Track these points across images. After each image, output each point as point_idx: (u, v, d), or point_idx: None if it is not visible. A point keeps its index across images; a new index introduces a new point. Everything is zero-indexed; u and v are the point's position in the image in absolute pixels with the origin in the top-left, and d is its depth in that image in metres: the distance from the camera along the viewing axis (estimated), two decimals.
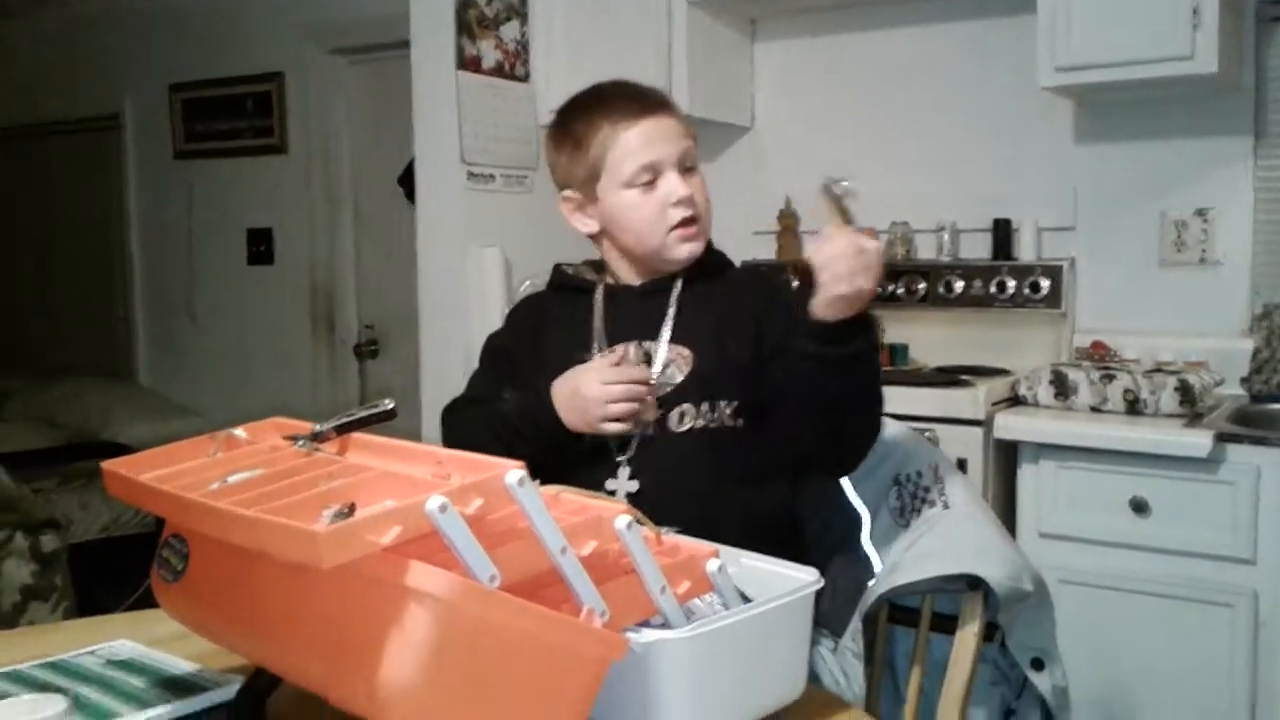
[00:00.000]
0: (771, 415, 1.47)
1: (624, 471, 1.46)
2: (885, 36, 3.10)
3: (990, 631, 1.44)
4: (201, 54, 4.55)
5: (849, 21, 3.13)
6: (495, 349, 1.66)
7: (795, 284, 1.49)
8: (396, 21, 3.06)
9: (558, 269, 1.67)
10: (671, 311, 1.53)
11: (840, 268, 1.26)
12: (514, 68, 3.06)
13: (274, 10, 4.32)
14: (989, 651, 1.49)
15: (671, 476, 1.45)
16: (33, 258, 5.44)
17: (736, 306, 1.54)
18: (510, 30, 3.04)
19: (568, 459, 1.46)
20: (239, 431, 1.08)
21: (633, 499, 1.43)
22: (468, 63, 2.93)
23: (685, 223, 1.50)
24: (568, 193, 1.58)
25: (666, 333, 1.52)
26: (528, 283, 3.01)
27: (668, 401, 1.48)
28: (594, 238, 1.60)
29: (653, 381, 1.46)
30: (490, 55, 2.99)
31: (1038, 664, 1.46)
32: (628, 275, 1.58)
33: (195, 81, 4.61)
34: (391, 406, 1.05)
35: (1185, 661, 2.21)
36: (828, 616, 1.47)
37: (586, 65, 2.91)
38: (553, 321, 1.61)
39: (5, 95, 5.27)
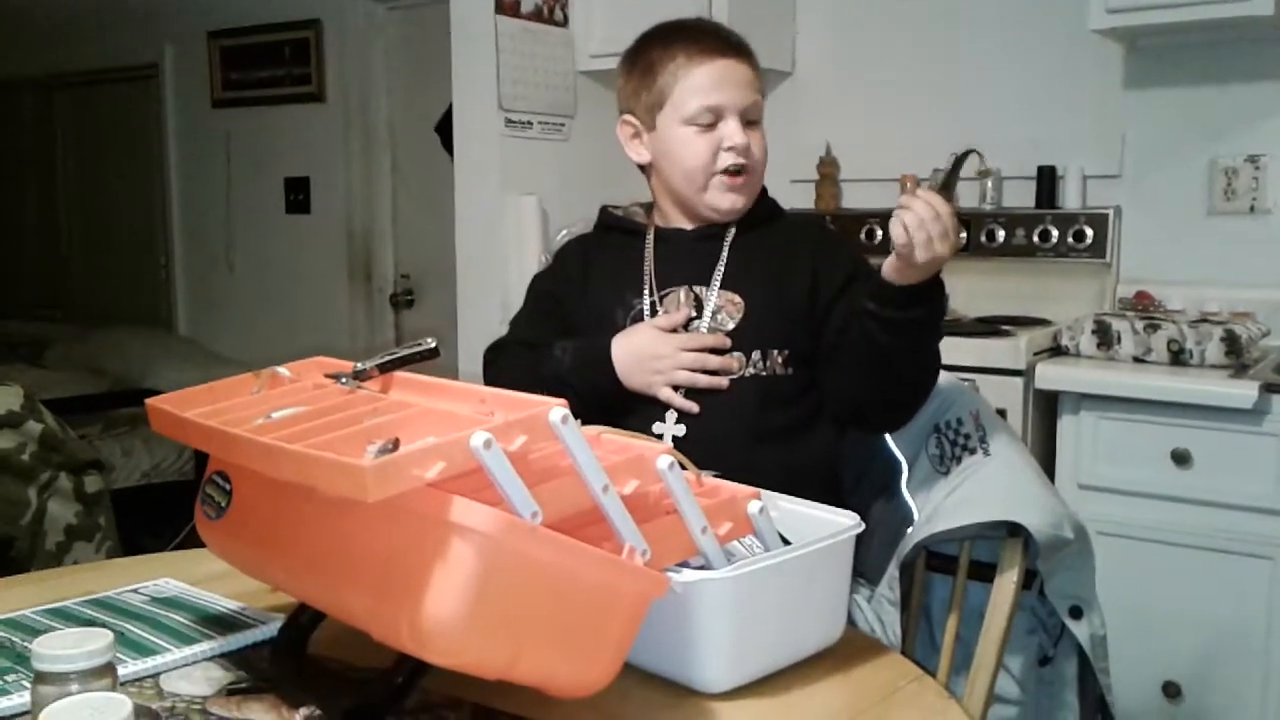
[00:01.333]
0: (824, 367, 1.47)
1: (671, 415, 1.46)
2: None
3: (1028, 579, 1.43)
4: (239, 1, 4.54)
5: None
6: (542, 292, 1.65)
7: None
8: None
9: (605, 210, 1.64)
10: (725, 256, 1.52)
11: (922, 235, 1.24)
12: (553, 12, 3.03)
13: None
14: (1026, 599, 1.47)
15: (719, 422, 1.44)
16: (73, 207, 5.49)
17: (795, 253, 1.52)
18: None
19: (615, 401, 1.46)
20: (282, 369, 1.08)
21: (678, 443, 1.44)
22: (506, 7, 2.90)
23: (734, 172, 1.48)
24: (628, 117, 1.56)
25: (718, 279, 1.51)
26: (564, 231, 3.00)
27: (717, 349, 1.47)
28: (644, 170, 1.59)
29: (727, 346, 1.45)
30: None
31: (1076, 612, 1.45)
32: (678, 218, 1.56)
33: (233, 29, 4.60)
34: (434, 345, 1.04)
35: (1224, 614, 2.20)
36: (864, 564, 1.46)
37: (625, 9, 2.88)
38: (601, 264, 1.59)
39: (46, 45, 5.29)
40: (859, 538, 1.11)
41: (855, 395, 1.44)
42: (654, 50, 1.51)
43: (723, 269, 1.51)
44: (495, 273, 3.01)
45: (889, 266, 1.31)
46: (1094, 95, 2.83)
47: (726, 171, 1.48)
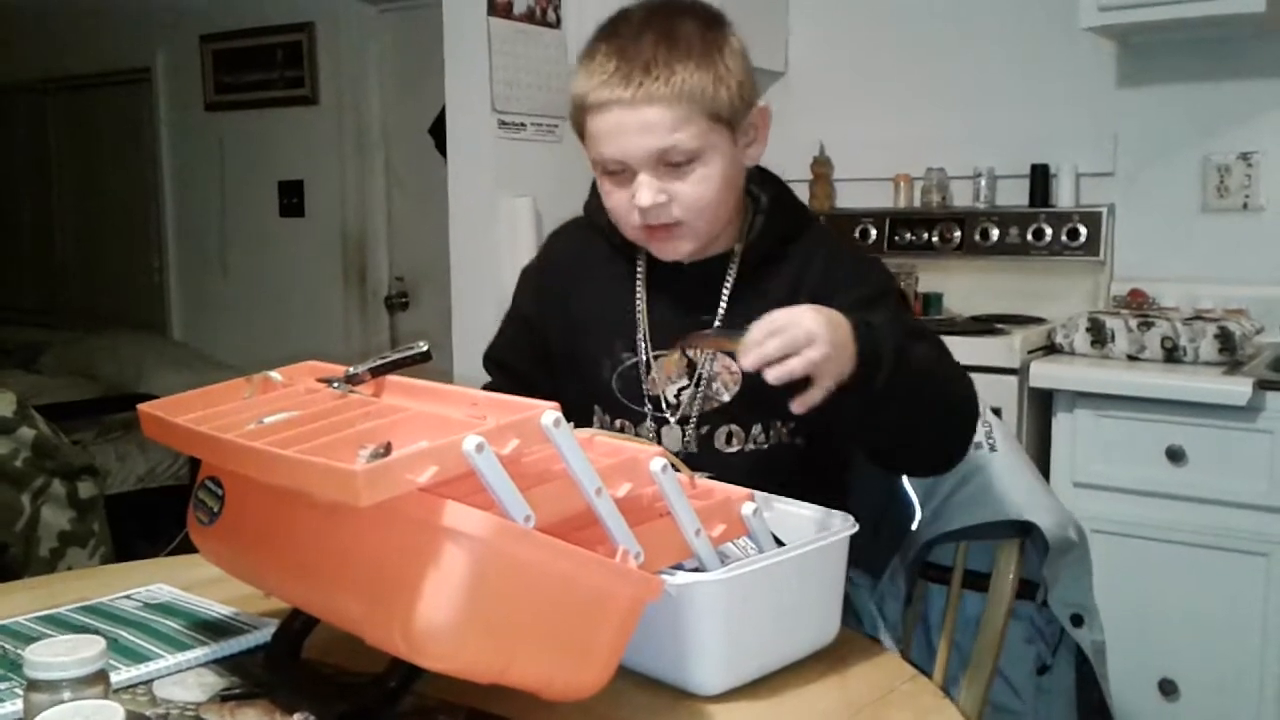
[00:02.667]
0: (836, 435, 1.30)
1: None
2: None
3: (1025, 589, 1.43)
4: (232, 4, 4.54)
5: None
6: (521, 313, 1.50)
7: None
8: None
9: (596, 210, 1.40)
10: (723, 306, 1.33)
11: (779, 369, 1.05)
12: (545, 13, 3.03)
13: None
14: (1024, 609, 1.47)
15: None
16: (67, 211, 5.48)
17: (798, 295, 1.27)
18: None
19: None
20: (274, 374, 1.08)
21: None
22: (499, 8, 2.90)
23: (654, 227, 1.28)
24: None
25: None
26: None
27: (712, 419, 1.33)
28: None
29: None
30: (521, 1, 2.95)
31: (1077, 620, 1.44)
32: None
33: (225, 32, 4.59)
34: (425, 349, 1.04)
35: (1219, 611, 2.20)
36: (867, 558, 1.44)
37: (619, 9, 2.87)
38: (590, 286, 1.41)
39: (39, 50, 5.28)
40: (859, 530, 1.10)
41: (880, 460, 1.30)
42: (579, 78, 1.30)
43: (721, 317, 1.33)
44: (489, 275, 3.00)
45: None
46: (1087, 93, 2.83)
47: (646, 228, 1.28)
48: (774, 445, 1.33)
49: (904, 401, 1.15)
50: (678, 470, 0.97)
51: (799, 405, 1.08)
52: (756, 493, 1.07)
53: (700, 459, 1.32)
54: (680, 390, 1.34)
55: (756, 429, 1.33)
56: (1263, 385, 2.12)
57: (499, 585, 0.81)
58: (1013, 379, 2.36)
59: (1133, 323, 2.36)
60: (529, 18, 2.98)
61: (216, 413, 1.00)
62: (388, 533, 0.83)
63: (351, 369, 1.04)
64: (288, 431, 0.90)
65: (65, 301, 5.49)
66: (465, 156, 3.01)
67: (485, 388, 1.48)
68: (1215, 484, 2.18)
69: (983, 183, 2.94)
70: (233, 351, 4.67)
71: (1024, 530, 1.38)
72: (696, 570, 0.98)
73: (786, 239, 1.36)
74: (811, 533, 1.09)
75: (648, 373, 1.36)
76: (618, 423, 1.38)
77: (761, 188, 1.38)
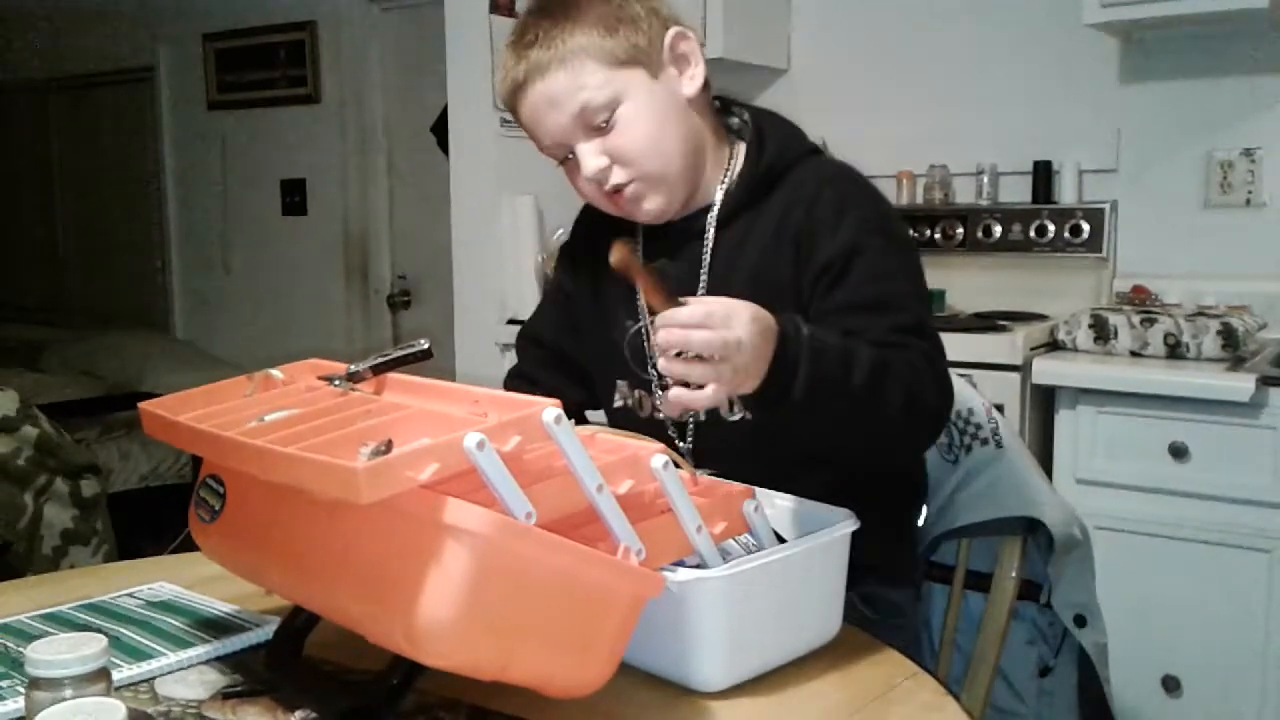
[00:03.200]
0: None
1: (690, 463, 1.24)
2: None
3: (1026, 590, 1.42)
4: (234, 3, 4.54)
5: None
6: (556, 281, 1.48)
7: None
8: None
9: None
10: (706, 261, 1.28)
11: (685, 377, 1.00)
12: None
13: None
14: (1026, 610, 1.47)
15: (738, 466, 1.20)
16: (70, 210, 5.48)
17: (782, 237, 1.23)
18: None
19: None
20: (275, 372, 1.08)
21: None
22: (500, 6, 2.90)
23: (613, 194, 1.24)
24: None
25: (702, 288, 1.28)
26: (561, 230, 3.00)
27: None
28: None
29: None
30: None
31: (1080, 621, 1.43)
32: None
33: (228, 31, 4.60)
34: (426, 346, 1.04)
35: (1222, 607, 2.19)
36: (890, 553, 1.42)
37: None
38: (603, 252, 1.32)
39: (42, 48, 5.29)
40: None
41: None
42: (496, 83, 1.33)
43: (705, 278, 1.28)
44: (492, 273, 3.01)
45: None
46: (1089, 89, 2.83)
47: (610, 195, 1.25)
48: None
49: (821, 417, 1.08)
50: (679, 467, 0.96)
51: (671, 407, 1.04)
52: (758, 489, 1.06)
53: (705, 429, 1.29)
54: (678, 354, 1.30)
55: None
56: (1266, 381, 2.12)
57: (500, 582, 0.81)
58: (1015, 376, 2.36)
59: (1135, 319, 2.36)
60: None
61: (218, 410, 1.00)
62: (389, 530, 0.83)
63: (353, 366, 1.04)
64: (289, 429, 0.90)
65: (67, 300, 5.50)
66: (467, 154, 3.01)
67: (518, 364, 1.50)
68: (1218, 480, 2.18)
69: (985, 179, 2.94)
70: (235, 349, 4.68)
71: (1030, 527, 1.37)
72: (698, 567, 0.97)
73: (771, 180, 1.27)
74: (812, 529, 1.09)
75: (648, 338, 1.31)
76: (636, 393, 1.34)
77: (754, 135, 1.31)
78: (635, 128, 1.21)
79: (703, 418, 1.29)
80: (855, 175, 1.30)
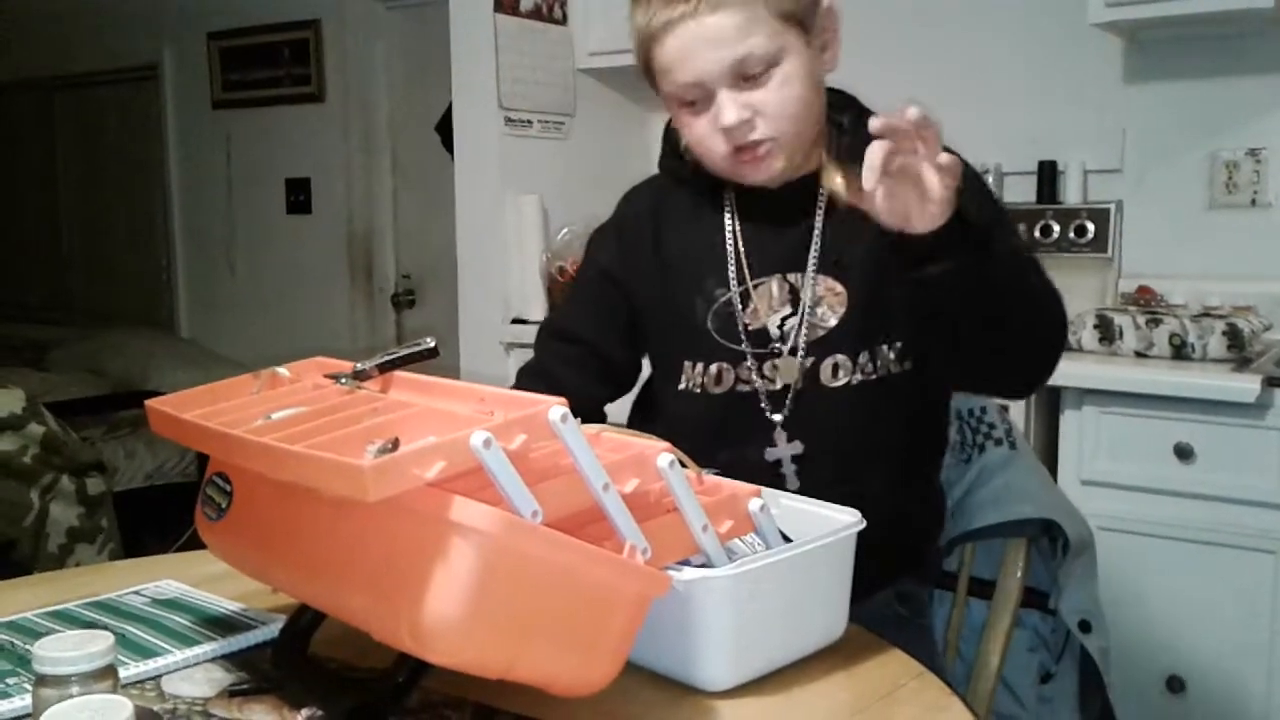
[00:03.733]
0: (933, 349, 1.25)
1: (781, 435, 1.29)
2: None
3: (1028, 598, 1.42)
4: (239, 2, 4.54)
5: None
6: (600, 270, 1.41)
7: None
8: None
9: (669, 159, 1.36)
10: (818, 229, 1.27)
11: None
12: (551, 10, 3.03)
13: None
14: (1029, 617, 1.47)
15: (833, 438, 1.27)
16: (75, 209, 5.49)
17: None
18: None
19: (713, 419, 1.30)
20: (282, 370, 1.08)
21: (799, 462, 1.28)
22: (505, 5, 2.90)
23: (742, 149, 1.23)
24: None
25: (813, 260, 1.27)
26: (565, 230, 3.00)
27: (817, 350, 1.27)
28: None
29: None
30: None
31: (1085, 626, 1.43)
32: None
33: (232, 30, 4.60)
34: (433, 344, 1.04)
35: (1226, 608, 2.19)
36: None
37: (624, 6, 2.87)
38: (675, 229, 1.35)
39: (47, 47, 5.30)
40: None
41: (964, 369, 1.23)
42: (636, 14, 1.25)
43: (817, 248, 1.27)
44: (496, 272, 3.01)
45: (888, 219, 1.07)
46: (1094, 90, 2.82)
47: (735, 150, 1.23)
48: (881, 377, 1.27)
49: (1003, 274, 1.12)
50: (685, 465, 0.97)
51: (924, 220, 1.05)
52: (764, 489, 1.06)
53: (806, 398, 1.28)
54: (784, 320, 1.28)
55: (864, 357, 1.26)
56: (1271, 382, 2.11)
57: (506, 580, 0.81)
58: None
59: (1141, 320, 2.36)
60: (535, 14, 2.98)
61: (224, 408, 1.00)
62: (395, 528, 0.83)
63: (359, 365, 1.04)
64: (295, 427, 0.90)
65: (72, 298, 5.51)
66: (472, 154, 3.02)
67: (534, 360, 1.44)
68: (1224, 481, 2.17)
69: (990, 179, 2.93)
70: (240, 348, 4.69)
71: (1041, 531, 1.37)
72: (704, 566, 0.98)
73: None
74: (818, 529, 1.09)
75: (744, 307, 1.29)
76: (713, 368, 1.31)
77: (842, 112, 1.33)
78: (789, 88, 1.21)
79: (800, 386, 1.28)
80: None
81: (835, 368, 1.27)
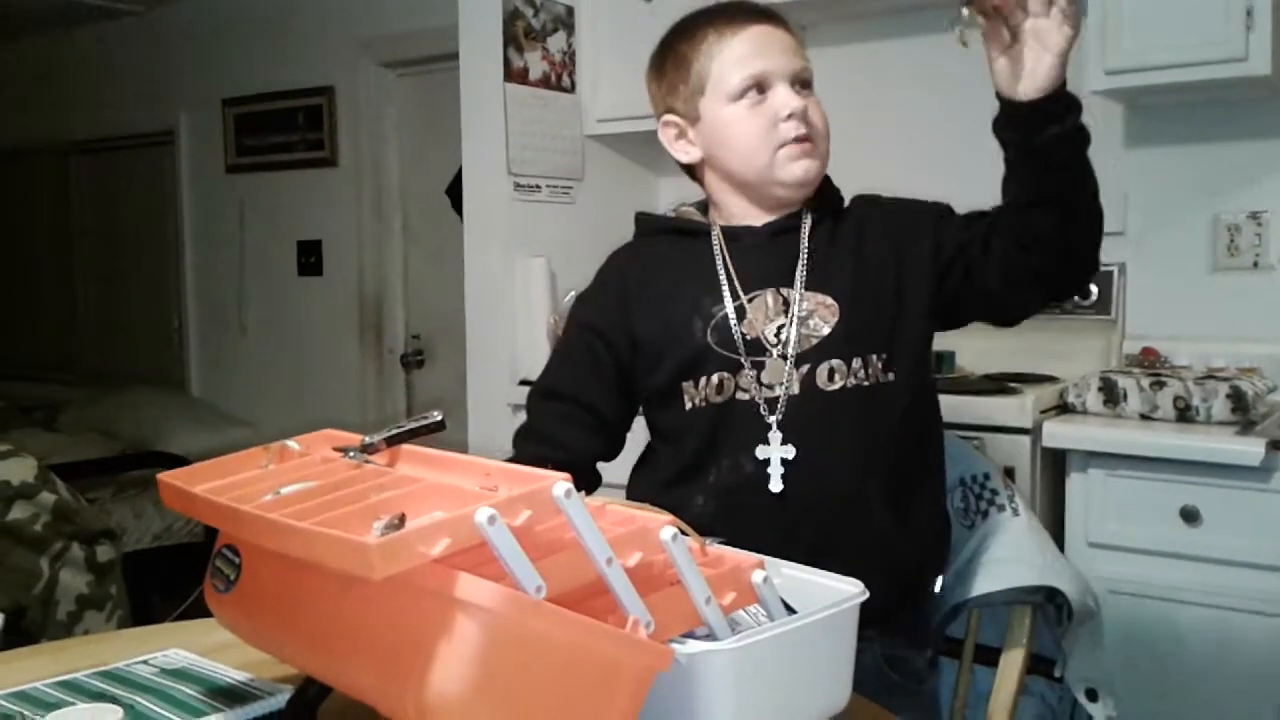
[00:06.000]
0: (989, 242, 1.37)
1: (775, 436, 1.35)
2: (932, 42, 3.07)
3: (1035, 665, 1.42)
4: (254, 68, 4.63)
5: (898, 27, 3.12)
6: (582, 324, 1.51)
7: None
8: (445, 34, 3.10)
9: (647, 215, 1.52)
10: (804, 252, 1.39)
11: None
12: (560, 79, 3.09)
13: (325, 24, 4.38)
14: (1035, 685, 1.47)
15: (827, 440, 1.34)
16: (89, 270, 5.55)
17: (867, 238, 1.40)
18: (557, 42, 3.06)
19: (715, 427, 1.37)
20: (292, 443, 1.10)
21: (789, 465, 1.34)
22: (515, 74, 2.95)
23: (798, 139, 1.37)
24: (668, 117, 1.45)
25: (801, 278, 1.38)
26: (572, 293, 3.03)
27: (812, 356, 1.36)
28: (692, 172, 1.48)
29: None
30: (537, 67, 3.01)
31: (1092, 695, 1.43)
32: (744, 212, 1.44)
33: (247, 96, 4.68)
34: (440, 419, 1.06)
35: (1235, 673, 2.18)
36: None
37: (631, 75, 2.92)
38: (660, 272, 1.46)
39: (65, 111, 5.39)
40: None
41: (1026, 264, 1.35)
42: (681, 42, 1.43)
43: (804, 266, 1.39)
44: (504, 334, 3.03)
45: (1003, 83, 1.26)
46: (1096, 153, 2.78)
47: (790, 141, 1.37)
48: (874, 384, 1.36)
49: (1081, 143, 1.29)
50: (686, 534, 0.98)
51: (1043, 76, 1.22)
52: (767, 559, 1.07)
53: (804, 402, 1.35)
54: (780, 328, 1.37)
55: (858, 363, 1.35)
56: (1276, 445, 2.11)
57: (510, 656, 0.82)
58: (1025, 439, 2.36)
59: (1145, 382, 2.37)
60: (545, 83, 3.03)
61: (234, 482, 1.02)
62: (400, 603, 0.84)
63: (367, 438, 1.05)
64: (304, 503, 0.92)
65: (84, 359, 5.55)
66: (481, 217, 3.05)
67: (526, 423, 1.51)
68: (1230, 545, 2.17)
69: None
70: (250, 408, 4.72)
71: (1046, 597, 1.38)
72: (708, 638, 0.98)
73: (840, 201, 1.46)
74: (821, 599, 1.10)
75: (740, 319, 1.38)
76: (714, 378, 1.38)
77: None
78: (820, 111, 1.42)
79: (796, 390, 1.36)
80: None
81: (831, 372, 1.35)
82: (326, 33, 4.38)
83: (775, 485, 1.33)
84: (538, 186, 3.06)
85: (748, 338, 1.37)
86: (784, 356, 1.36)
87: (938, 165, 3.06)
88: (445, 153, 3.56)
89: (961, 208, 1.48)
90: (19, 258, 5.79)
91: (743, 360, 1.37)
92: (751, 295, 1.38)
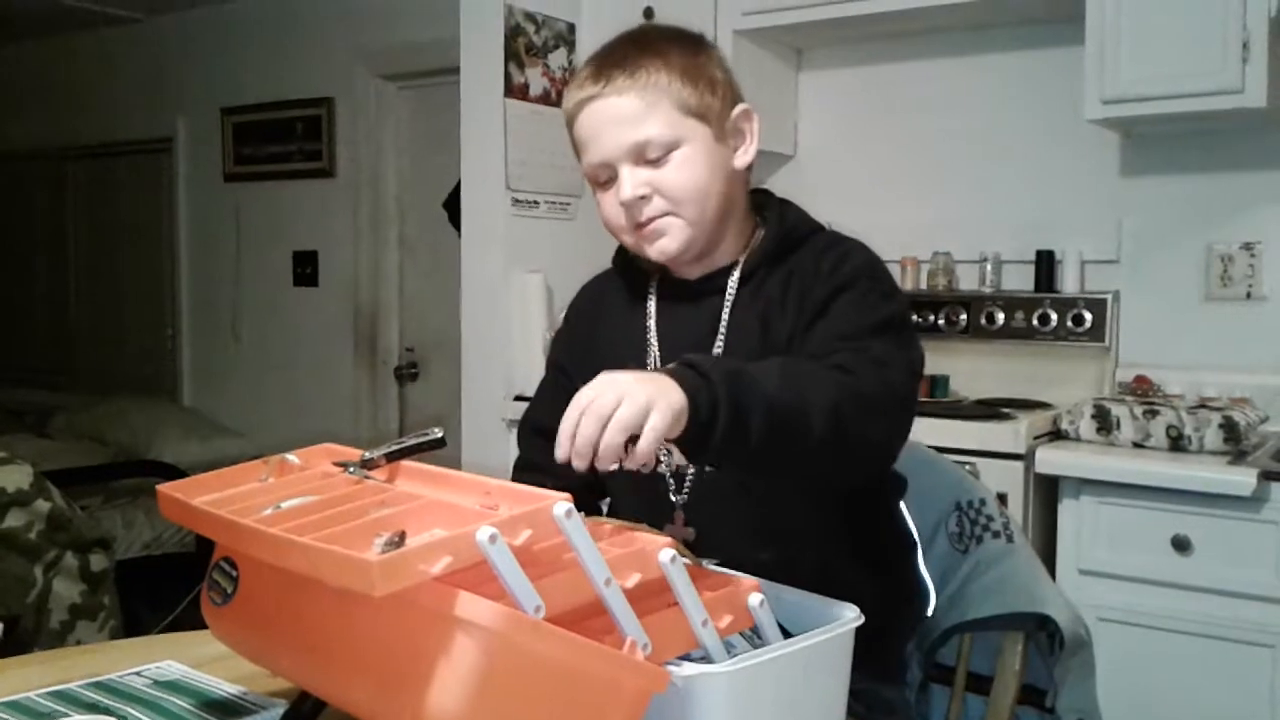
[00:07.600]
0: None
1: (680, 517, 1.32)
2: (930, 67, 3.10)
3: (1027, 695, 1.42)
4: (254, 77, 4.63)
5: (895, 52, 3.14)
6: (552, 361, 1.52)
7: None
8: (446, 49, 3.12)
9: (619, 251, 1.45)
10: (725, 316, 1.32)
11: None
12: (560, 95, 3.09)
13: (326, 35, 4.39)
14: (1026, 716, 1.46)
15: (721, 523, 1.30)
16: (84, 276, 5.54)
17: (787, 296, 1.30)
18: (558, 58, 3.07)
19: (634, 492, 1.33)
20: (291, 456, 1.10)
21: (693, 548, 1.25)
22: (515, 90, 2.96)
23: (640, 225, 1.29)
24: None
25: (718, 346, 1.31)
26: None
27: None
28: None
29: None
30: (538, 83, 3.02)
31: None
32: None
33: (246, 105, 4.68)
34: (440, 435, 1.06)
35: (1225, 702, 2.18)
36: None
37: None
38: (610, 317, 1.44)
39: (60, 117, 5.38)
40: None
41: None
42: (564, 97, 1.34)
43: (722, 336, 1.32)
44: (499, 349, 3.04)
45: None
46: (1091, 182, 2.87)
47: (637, 226, 1.30)
48: None
49: (767, 439, 1.07)
50: (685, 557, 0.98)
51: (632, 462, 1.04)
52: (763, 582, 1.07)
53: (700, 481, 1.31)
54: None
55: None
56: (1267, 476, 2.13)
57: (508, 675, 0.82)
58: (1019, 465, 2.37)
59: (1138, 410, 2.38)
60: (544, 99, 3.04)
61: (233, 495, 1.02)
62: (400, 621, 0.84)
63: (367, 454, 1.06)
64: (304, 518, 0.92)
65: (78, 365, 5.53)
66: (479, 232, 3.06)
67: (521, 455, 1.49)
68: (1221, 574, 2.18)
69: (988, 267, 2.98)
70: (243, 419, 4.71)
71: (1037, 626, 1.38)
72: (703, 660, 0.98)
73: (791, 247, 1.33)
74: (817, 623, 1.10)
75: None
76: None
77: (778, 211, 1.38)
78: (686, 170, 1.27)
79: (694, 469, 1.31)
80: (859, 242, 1.37)
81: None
82: (327, 44, 4.39)
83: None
84: (535, 202, 3.06)
85: None
86: None
87: (931, 187, 3.08)
88: (443, 166, 3.57)
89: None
90: (13, 263, 5.78)
91: None
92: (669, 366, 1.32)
